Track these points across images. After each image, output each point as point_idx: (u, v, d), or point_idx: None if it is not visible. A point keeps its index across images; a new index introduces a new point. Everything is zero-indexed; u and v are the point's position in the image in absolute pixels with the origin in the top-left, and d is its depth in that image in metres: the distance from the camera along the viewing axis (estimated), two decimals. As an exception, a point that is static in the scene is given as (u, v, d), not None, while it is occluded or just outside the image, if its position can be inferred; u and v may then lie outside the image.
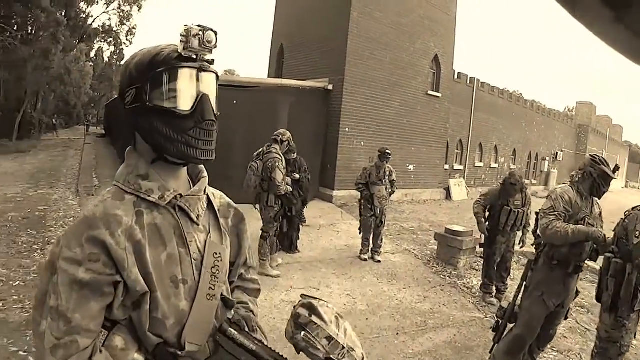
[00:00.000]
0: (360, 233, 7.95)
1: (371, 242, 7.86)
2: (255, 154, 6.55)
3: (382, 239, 7.93)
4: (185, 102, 1.20)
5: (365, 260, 7.72)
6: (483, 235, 6.46)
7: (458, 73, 19.02)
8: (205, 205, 1.38)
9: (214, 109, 1.26)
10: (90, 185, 12.31)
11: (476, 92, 20.38)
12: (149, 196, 1.23)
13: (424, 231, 10.62)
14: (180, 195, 1.28)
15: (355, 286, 6.48)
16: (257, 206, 6.62)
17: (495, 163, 23.19)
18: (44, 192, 11.99)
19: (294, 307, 1.45)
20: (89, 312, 1.12)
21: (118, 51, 43.38)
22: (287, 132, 6.61)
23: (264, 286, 5.26)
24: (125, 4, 36.43)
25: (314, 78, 13.78)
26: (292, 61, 16.11)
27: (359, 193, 7.91)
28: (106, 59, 49.73)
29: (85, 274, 1.11)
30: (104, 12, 37.16)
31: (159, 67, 1.19)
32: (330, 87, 13.38)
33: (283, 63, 16.75)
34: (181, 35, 1.19)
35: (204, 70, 1.23)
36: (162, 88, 1.19)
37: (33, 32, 27.85)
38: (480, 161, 22.00)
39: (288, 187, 6.45)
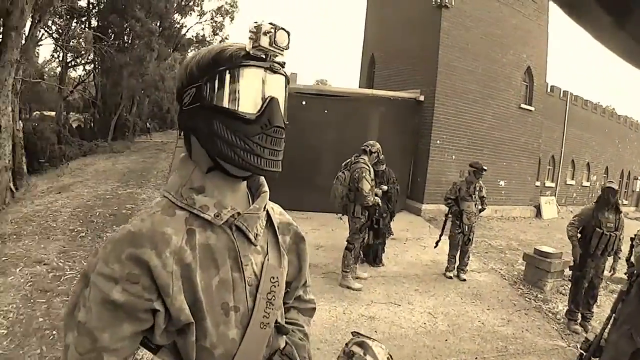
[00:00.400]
0: (435, 245, 7.67)
1: (457, 259, 7.52)
2: (344, 164, 6.48)
3: (468, 257, 7.57)
4: (250, 105, 1.07)
5: (450, 278, 7.38)
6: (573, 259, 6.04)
7: (551, 86, 18.21)
8: (264, 223, 1.23)
9: (283, 115, 1.12)
10: None
11: (569, 106, 19.44)
12: (204, 213, 1.09)
13: (512, 250, 10.12)
14: (239, 213, 1.14)
15: (438, 304, 6.21)
16: (343, 216, 6.56)
17: (587, 181, 21.99)
18: (133, 191, 12.50)
19: (346, 344, 1.37)
20: (120, 333, 1.00)
21: (211, 60, 44.71)
22: (377, 143, 6.49)
23: (344, 298, 5.38)
24: (218, 15, 37.62)
25: (404, 89, 13.58)
26: (382, 72, 16.04)
27: (447, 208, 7.59)
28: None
29: (121, 294, 0.99)
30: (197, 23, 38.50)
31: (223, 65, 1.07)
32: (421, 98, 13.12)
33: (374, 73, 16.71)
34: (250, 31, 1.06)
35: (274, 72, 1.10)
36: (225, 88, 1.06)
37: (129, 41, 29.55)
38: (572, 179, 20.92)
39: (376, 197, 6.34)
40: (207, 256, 1.09)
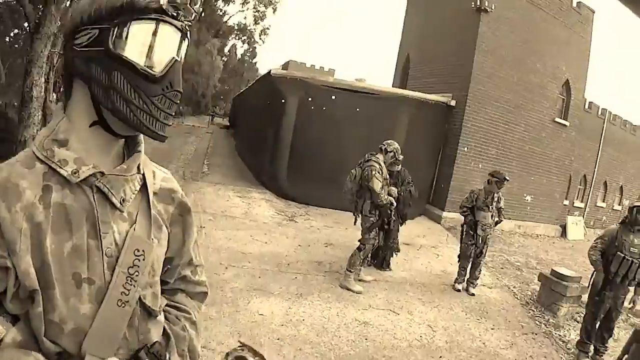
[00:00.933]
0: (458, 260, 7.21)
1: (468, 272, 7.07)
2: (361, 161, 6.22)
3: (480, 270, 7.10)
4: (156, 63, 0.98)
5: (459, 290, 6.96)
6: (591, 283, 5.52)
7: (589, 102, 17.41)
8: (137, 188, 1.09)
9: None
10: (198, 170, 12.49)
11: (607, 124, 18.58)
12: (61, 168, 0.98)
13: (530, 268, 9.61)
14: (102, 173, 1.01)
15: (440, 317, 5.83)
16: (356, 214, 6.27)
17: (619, 205, 20.99)
18: None
19: (227, 354, 1.27)
20: None
21: (251, 49, 45.23)
22: (395, 143, 6.31)
23: (341, 300, 4.89)
24: (261, 5, 38.05)
25: (437, 92, 13.12)
26: (416, 73, 15.65)
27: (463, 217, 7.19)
28: (239, 56, 51.94)
29: None
30: (239, 11, 38.81)
31: (141, 14, 0.96)
32: (452, 102, 12.66)
33: (408, 74, 16.34)
34: None
35: (183, 34, 1.03)
36: (137, 39, 0.96)
37: None
38: (603, 201, 20.06)
39: (390, 197, 6.11)
40: (61, 217, 0.97)
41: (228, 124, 34.49)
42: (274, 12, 39.42)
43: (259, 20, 39.66)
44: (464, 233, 7.08)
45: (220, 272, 5.98)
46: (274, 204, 10.48)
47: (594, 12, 14.91)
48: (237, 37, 42.47)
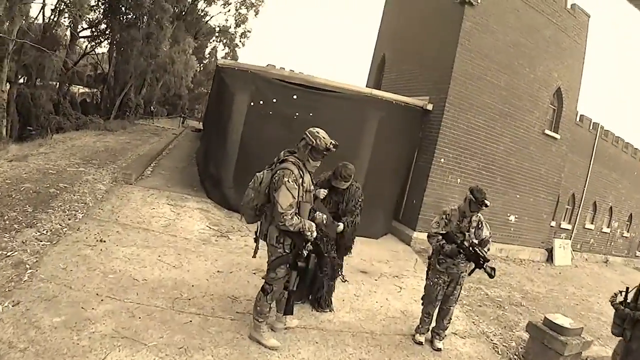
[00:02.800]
0: (422, 303, 5.38)
1: (434, 319, 5.28)
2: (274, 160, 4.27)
3: (449, 319, 5.26)
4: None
5: (420, 344, 5.16)
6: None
7: (580, 115, 15.78)
8: None
9: None
10: (137, 173, 10.69)
11: (598, 140, 16.95)
12: None
13: (514, 305, 7.91)
14: None
15: None
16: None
17: (608, 227, 19.40)
18: (84, 170, 10.70)
19: None
20: None
21: (232, 52, 43.57)
22: (326, 136, 4.07)
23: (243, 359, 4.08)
24: (242, 7, 37.14)
25: (413, 94, 11.43)
26: (392, 74, 14.04)
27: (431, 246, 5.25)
28: (219, 59, 49.73)
29: None
30: (219, 13, 37.86)
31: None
32: (429, 106, 10.92)
33: (382, 76, 14.71)
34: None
35: None
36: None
37: (140, 17, 28.23)
38: (592, 222, 18.35)
39: (311, 223, 4.10)
40: None
41: (201, 128, 32.91)
42: (255, 15, 38.27)
43: (240, 23, 38.49)
44: (431, 267, 5.26)
45: (88, 307, 4.27)
46: (210, 215, 8.66)
47: (589, 17, 13.31)
48: (218, 40, 41.07)
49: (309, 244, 4.10)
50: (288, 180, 3.88)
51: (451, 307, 5.22)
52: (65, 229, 6.36)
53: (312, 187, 4.21)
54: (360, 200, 5.38)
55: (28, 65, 24.17)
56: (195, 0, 35.10)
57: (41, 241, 5.70)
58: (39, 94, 23.98)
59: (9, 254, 5.10)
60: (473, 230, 5.04)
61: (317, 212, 4.38)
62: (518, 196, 12.22)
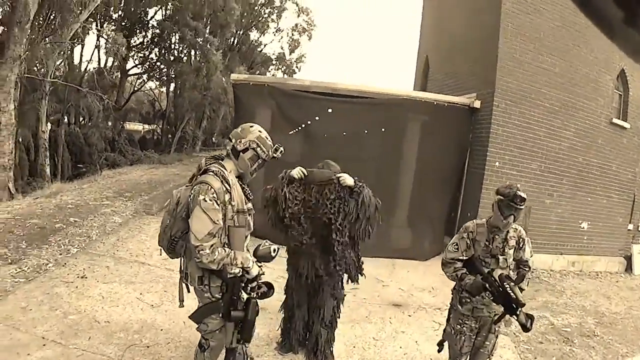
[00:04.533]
0: (438, 346, 3.88)
1: None
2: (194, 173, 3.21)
3: None
4: None
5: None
6: None
7: (650, 99, 13.81)
8: None
9: None
10: (161, 204, 9.98)
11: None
12: None
13: (586, 336, 6.12)
14: None
15: None
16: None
17: (692, 227, 17.16)
18: (107, 203, 10.27)
19: None
20: None
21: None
22: (257, 130, 3.12)
23: None
24: (295, 33, 37.25)
25: (459, 93, 10.02)
26: (437, 75, 12.71)
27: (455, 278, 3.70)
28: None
29: None
30: (272, 41, 38.80)
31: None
32: (477, 104, 9.35)
33: (427, 78, 13.56)
34: None
35: None
36: None
37: (184, 51, 29.52)
38: (674, 223, 16.19)
39: (245, 256, 2.92)
40: None
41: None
42: (309, 39, 37.94)
43: (294, 49, 38.48)
44: (454, 308, 3.80)
45: (24, 353, 3.85)
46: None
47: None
48: (276, 68, 40.83)
49: (252, 284, 2.94)
50: (205, 199, 2.75)
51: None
52: (50, 265, 6.05)
53: (246, 205, 2.99)
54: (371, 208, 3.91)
55: (74, 105, 24.60)
56: (247, 30, 35.44)
57: (15, 278, 5.45)
58: (90, 132, 24.65)
59: (-29, 291, 4.81)
60: (511, 251, 3.55)
61: (265, 241, 3.12)
62: (589, 199, 10.39)
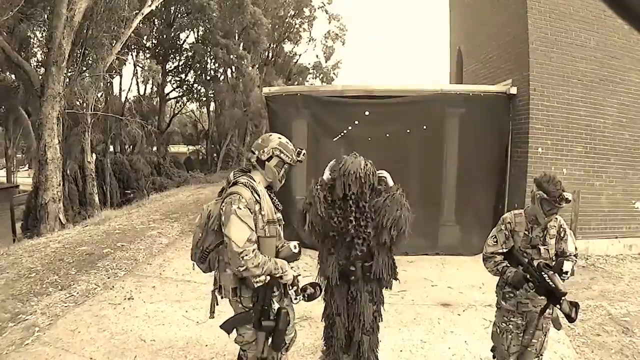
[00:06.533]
0: (494, 357, 3.65)
1: None
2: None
3: None
4: None
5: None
6: None
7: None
8: None
9: None
10: None
11: None
12: None
13: None
14: None
15: None
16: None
17: None
18: (154, 226, 10.45)
19: None
20: None
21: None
22: (275, 137, 3.11)
23: None
24: (328, 40, 37.11)
25: (495, 81, 9.75)
26: (471, 65, 12.34)
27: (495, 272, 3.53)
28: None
29: None
30: (306, 51, 39.93)
31: None
32: (513, 90, 8.93)
33: (462, 70, 13.27)
34: None
35: None
36: None
37: (217, 69, 29.71)
38: None
39: (282, 262, 2.94)
40: None
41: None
42: (343, 44, 37.75)
43: (329, 56, 38.22)
44: (498, 307, 3.64)
45: None
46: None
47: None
48: (314, 76, 40.55)
49: (277, 292, 2.95)
50: (239, 207, 2.75)
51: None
52: (98, 288, 6.20)
53: (275, 215, 2.97)
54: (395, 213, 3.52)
55: (117, 134, 25.34)
56: (281, 43, 35.71)
57: (65, 303, 5.61)
58: (136, 159, 25.47)
59: (26, 317, 5.12)
60: (552, 241, 3.34)
61: (286, 242, 3.06)
62: (640, 176, 9.86)
